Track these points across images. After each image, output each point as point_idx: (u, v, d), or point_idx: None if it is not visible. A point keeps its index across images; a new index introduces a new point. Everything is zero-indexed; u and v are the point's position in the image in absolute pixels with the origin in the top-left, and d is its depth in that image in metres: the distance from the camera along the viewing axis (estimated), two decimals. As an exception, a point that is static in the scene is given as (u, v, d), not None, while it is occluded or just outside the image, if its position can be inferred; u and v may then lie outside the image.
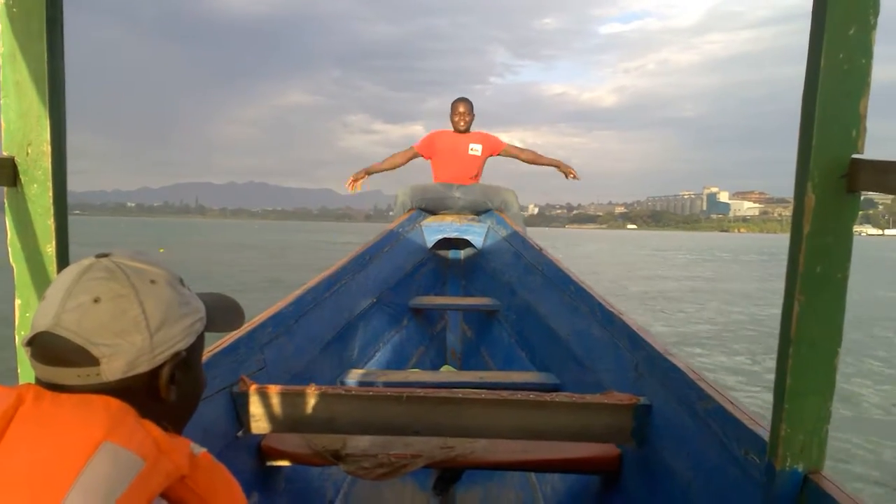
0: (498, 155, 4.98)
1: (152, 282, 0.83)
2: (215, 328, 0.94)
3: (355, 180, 5.01)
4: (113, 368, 0.78)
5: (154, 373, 0.82)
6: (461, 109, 4.83)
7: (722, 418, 1.64)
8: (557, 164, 5.07)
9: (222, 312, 0.98)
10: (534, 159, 5.04)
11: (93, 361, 0.77)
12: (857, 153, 1.17)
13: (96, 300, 0.78)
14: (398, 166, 5.06)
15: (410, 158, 5.01)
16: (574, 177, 5.04)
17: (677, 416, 1.88)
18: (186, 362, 0.87)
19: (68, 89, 1.33)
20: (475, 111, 4.88)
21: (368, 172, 5.01)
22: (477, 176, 4.89)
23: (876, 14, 1.15)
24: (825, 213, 1.17)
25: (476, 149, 4.86)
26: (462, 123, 4.81)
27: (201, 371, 0.94)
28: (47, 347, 0.78)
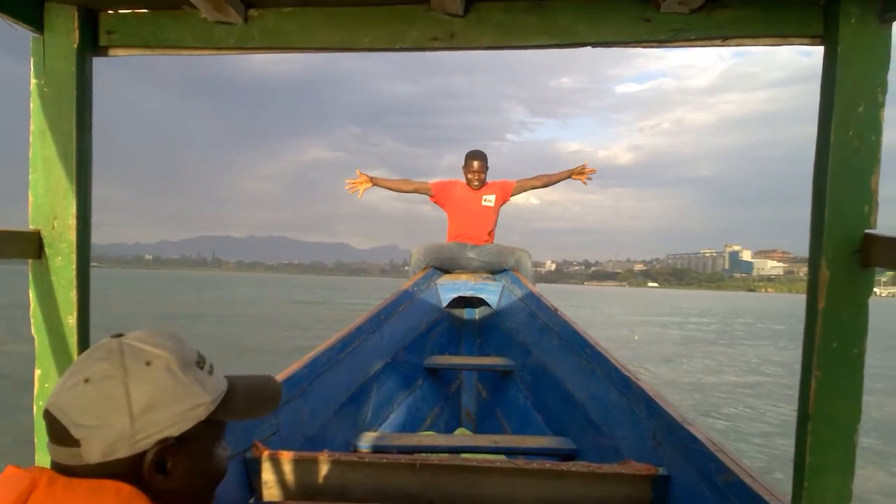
0: (512, 195, 4.95)
1: (147, 364, 0.81)
2: (231, 415, 0.89)
3: (357, 183, 4.86)
4: (91, 451, 0.77)
5: (139, 458, 0.79)
6: (475, 167, 4.77)
7: (742, 492, 1.60)
8: (570, 174, 4.97)
9: (246, 399, 0.92)
10: (547, 181, 5.00)
11: (75, 443, 0.77)
12: (870, 228, 1.18)
13: (87, 380, 0.78)
14: (403, 191, 5.00)
15: (419, 191, 4.95)
16: (591, 173, 4.93)
17: (696, 487, 1.84)
18: (182, 449, 0.82)
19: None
20: (488, 163, 4.83)
21: (373, 182, 4.92)
22: (492, 232, 4.89)
23: (884, 92, 1.17)
24: (840, 289, 1.17)
25: (490, 199, 4.84)
26: (476, 181, 4.79)
27: (212, 458, 0.88)
28: (48, 424, 0.80)
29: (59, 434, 0.78)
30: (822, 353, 1.18)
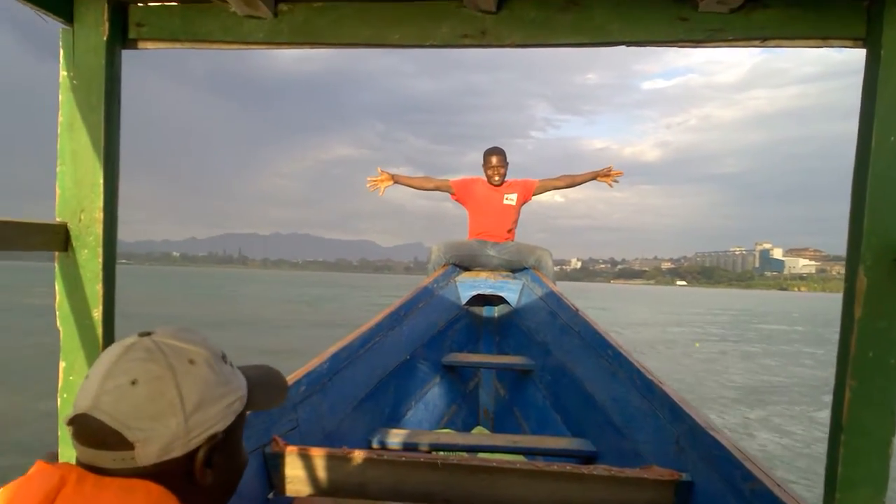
0: (533, 195, 4.89)
1: (191, 362, 0.80)
2: (254, 406, 0.91)
3: (379, 181, 4.83)
4: (147, 453, 0.76)
5: (190, 456, 0.79)
6: (494, 162, 4.72)
7: (769, 502, 1.57)
8: (594, 176, 4.86)
9: (263, 389, 0.94)
10: (570, 182, 4.91)
11: (127, 446, 0.75)
12: None
13: (133, 382, 0.76)
14: (424, 189, 5.00)
15: (441, 189, 4.93)
16: (617, 175, 4.81)
17: (721, 495, 1.80)
18: (225, 443, 0.83)
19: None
20: (508, 160, 4.77)
21: (395, 179, 4.89)
22: (512, 230, 4.86)
23: None
24: (878, 297, 1.14)
25: (511, 198, 4.80)
26: (496, 177, 4.74)
27: (241, 450, 0.90)
28: (85, 429, 0.76)
29: (105, 438, 0.75)
30: (858, 362, 1.15)
